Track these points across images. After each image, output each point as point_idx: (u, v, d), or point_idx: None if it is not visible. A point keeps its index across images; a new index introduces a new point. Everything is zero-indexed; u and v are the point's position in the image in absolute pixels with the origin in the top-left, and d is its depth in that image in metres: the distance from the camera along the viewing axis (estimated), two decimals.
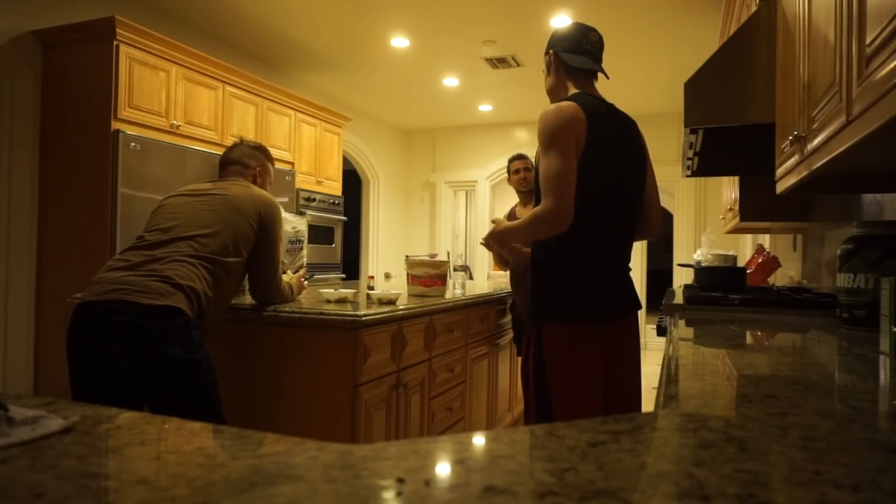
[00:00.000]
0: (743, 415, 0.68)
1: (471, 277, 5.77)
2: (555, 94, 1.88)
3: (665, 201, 8.58)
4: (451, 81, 5.63)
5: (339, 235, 5.19)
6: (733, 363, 1.07)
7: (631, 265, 1.88)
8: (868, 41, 0.89)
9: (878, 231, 1.44)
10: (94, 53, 3.24)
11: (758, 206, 2.58)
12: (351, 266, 6.37)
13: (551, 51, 1.86)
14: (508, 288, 3.25)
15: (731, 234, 4.39)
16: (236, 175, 2.02)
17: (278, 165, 3.92)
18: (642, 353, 1.87)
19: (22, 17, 3.30)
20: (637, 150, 1.84)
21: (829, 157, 1.12)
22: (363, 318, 1.90)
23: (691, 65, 4.78)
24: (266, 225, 1.89)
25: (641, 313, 6.61)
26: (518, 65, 5.06)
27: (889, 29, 0.80)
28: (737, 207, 2.76)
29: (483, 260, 7.32)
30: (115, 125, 3.19)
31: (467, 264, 5.58)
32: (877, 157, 1.17)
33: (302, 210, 4.64)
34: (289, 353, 1.98)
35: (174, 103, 3.57)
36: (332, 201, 5.09)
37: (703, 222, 6.48)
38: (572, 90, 1.82)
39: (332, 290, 2.25)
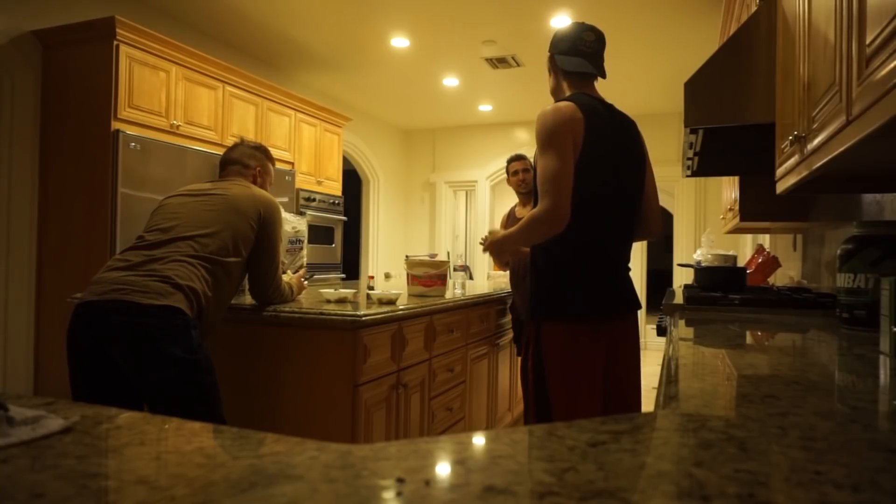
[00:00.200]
0: (743, 415, 0.68)
1: (471, 277, 5.77)
2: (556, 95, 1.89)
3: (665, 201, 8.58)
4: (451, 81, 5.63)
5: (339, 235, 5.19)
6: (733, 363, 1.07)
7: (631, 265, 1.88)
8: (868, 41, 0.89)
9: (878, 231, 1.44)
10: (94, 53, 3.24)
11: (758, 206, 2.58)
12: (351, 266, 6.37)
13: (549, 53, 1.88)
14: (508, 288, 3.25)
15: (731, 234, 4.39)
16: (236, 175, 2.02)
17: (278, 165, 3.92)
18: (642, 353, 1.87)
19: (22, 17, 3.30)
20: (636, 150, 1.85)
21: (829, 157, 1.12)
22: (363, 318, 1.90)
23: (691, 65, 4.78)
24: (266, 225, 1.89)
25: (641, 313, 6.61)
26: (518, 65, 5.06)
27: (889, 29, 0.80)
28: (737, 207, 2.76)
29: (483, 260, 7.32)
30: (115, 125, 3.19)
31: (467, 264, 5.58)
32: (877, 157, 1.17)
33: (302, 210, 4.64)
34: (289, 353, 1.98)
35: (174, 103, 3.57)
36: (332, 201, 5.09)
37: (703, 222, 6.48)
38: (570, 91, 1.82)
39: (332, 290, 2.25)
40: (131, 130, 3.25)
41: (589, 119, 1.69)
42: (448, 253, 4.63)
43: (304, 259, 2.48)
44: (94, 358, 1.63)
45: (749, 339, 1.43)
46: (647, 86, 5.60)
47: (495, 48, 4.72)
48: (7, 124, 3.27)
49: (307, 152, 4.89)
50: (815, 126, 1.24)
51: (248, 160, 2.05)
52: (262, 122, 4.35)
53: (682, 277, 6.30)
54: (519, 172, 3.14)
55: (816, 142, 1.21)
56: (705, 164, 2.43)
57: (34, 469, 0.48)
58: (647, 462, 0.50)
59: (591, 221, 1.71)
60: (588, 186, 1.68)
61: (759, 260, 3.28)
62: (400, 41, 4.60)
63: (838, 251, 1.50)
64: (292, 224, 2.40)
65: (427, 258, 3.26)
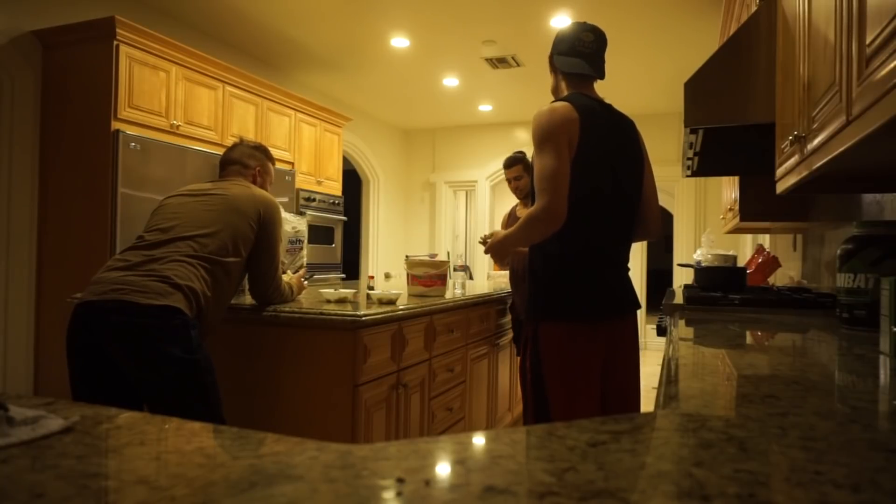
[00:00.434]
0: (743, 415, 0.68)
1: (471, 277, 5.77)
2: (555, 95, 1.90)
3: (665, 201, 8.58)
4: (451, 81, 5.63)
5: (339, 235, 5.19)
6: (733, 363, 1.07)
7: (630, 265, 1.88)
8: (868, 41, 0.89)
9: (878, 231, 1.44)
10: (94, 53, 3.24)
11: (758, 206, 2.58)
12: (351, 266, 6.37)
13: (550, 54, 1.89)
14: (508, 288, 3.25)
15: (731, 234, 4.39)
16: (236, 175, 2.02)
17: (278, 165, 3.92)
18: (642, 353, 1.88)
19: (22, 17, 3.30)
20: (634, 150, 1.85)
21: (829, 157, 1.12)
22: (363, 318, 1.90)
23: (691, 65, 4.78)
24: (266, 225, 1.89)
25: (641, 313, 6.62)
26: (518, 65, 5.06)
27: (889, 29, 0.80)
28: (737, 207, 2.76)
29: (483, 260, 7.32)
30: (115, 125, 3.19)
31: (467, 264, 5.58)
32: (877, 157, 1.17)
33: (302, 210, 4.64)
34: (289, 353, 1.98)
35: (174, 103, 3.57)
36: (332, 201, 5.09)
37: (703, 222, 6.48)
38: (569, 91, 1.83)
39: (332, 290, 2.25)
40: (131, 130, 3.25)
41: (584, 119, 1.69)
42: (448, 253, 4.63)
43: (304, 259, 2.48)
44: (94, 358, 1.63)
45: (749, 339, 1.43)
46: (647, 86, 5.60)
47: (495, 48, 4.72)
48: (7, 124, 3.27)
49: (307, 152, 4.89)
50: (815, 126, 1.24)
51: (247, 160, 2.05)
52: (262, 122, 4.35)
53: (682, 277, 6.30)
54: (511, 181, 3.14)
55: (816, 142, 1.21)
56: (705, 164, 2.43)
57: (34, 469, 0.48)
58: (647, 462, 0.50)
59: (589, 221, 1.72)
60: (585, 186, 1.68)
61: (759, 260, 3.28)
62: (400, 41, 4.60)
63: (838, 251, 1.50)
64: (292, 224, 2.40)
65: (427, 258, 3.26)
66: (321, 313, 1.92)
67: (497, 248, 1.90)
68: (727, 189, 3.56)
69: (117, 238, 3.13)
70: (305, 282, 2.39)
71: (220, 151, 3.48)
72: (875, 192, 1.81)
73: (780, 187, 1.67)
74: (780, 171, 1.68)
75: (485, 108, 6.57)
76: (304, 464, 0.49)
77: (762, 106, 1.79)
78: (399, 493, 0.43)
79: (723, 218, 3.83)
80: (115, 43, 3.20)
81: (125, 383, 1.63)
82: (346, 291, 2.25)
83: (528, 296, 1.84)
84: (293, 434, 0.58)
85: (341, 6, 3.99)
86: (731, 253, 2.83)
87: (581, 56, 1.82)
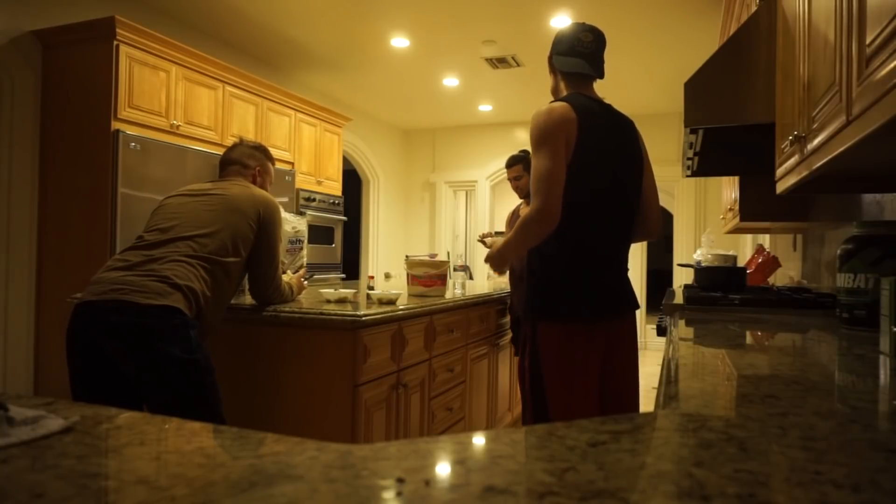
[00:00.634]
0: (743, 415, 0.68)
1: (471, 277, 5.77)
2: (555, 95, 1.90)
3: (665, 201, 8.58)
4: (451, 81, 5.63)
5: (339, 235, 5.19)
6: (733, 363, 1.07)
7: (630, 265, 1.89)
8: (868, 41, 0.89)
9: (878, 231, 1.44)
10: (94, 53, 3.24)
11: (758, 206, 2.58)
12: (351, 266, 6.37)
13: (549, 54, 1.89)
14: (508, 288, 3.25)
15: (731, 234, 4.39)
16: (236, 175, 2.02)
17: (278, 165, 3.92)
18: (642, 353, 1.88)
19: (22, 17, 3.30)
20: (634, 150, 1.85)
21: (829, 157, 1.12)
22: (363, 318, 1.90)
23: (691, 65, 4.77)
24: (265, 225, 1.89)
25: (641, 313, 6.62)
26: (518, 65, 5.06)
27: (889, 29, 0.80)
28: (737, 207, 2.76)
29: (483, 260, 7.32)
30: (115, 125, 3.19)
31: (467, 264, 5.58)
32: (877, 157, 1.17)
33: (302, 210, 4.64)
34: (289, 353, 1.98)
35: (174, 103, 3.57)
36: (332, 201, 5.09)
37: (703, 222, 6.48)
38: (568, 91, 1.83)
39: (332, 290, 2.25)
40: (131, 130, 3.25)
41: (582, 119, 1.69)
42: (448, 253, 4.63)
43: (304, 259, 2.48)
44: (94, 358, 1.63)
45: (749, 339, 1.43)
46: (647, 86, 5.60)
47: (495, 48, 4.72)
48: (7, 124, 3.27)
49: (307, 152, 4.89)
50: (815, 126, 1.24)
51: (247, 160, 2.05)
52: (262, 122, 4.35)
53: (682, 277, 6.30)
54: (511, 180, 3.18)
55: (816, 142, 1.21)
56: (705, 164, 2.43)
57: (34, 469, 0.48)
58: (647, 462, 0.50)
59: (586, 221, 1.72)
60: (582, 186, 1.68)
61: (759, 260, 3.28)
62: (400, 41, 4.60)
63: (838, 251, 1.50)
64: (292, 224, 2.40)
65: (427, 258, 3.27)
66: (321, 313, 1.92)
67: (496, 259, 1.89)
68: (727, 189, 3.56)
69: (117, 238, 3.13)
70: (305, 282, 2.39)
71: (220, 151, 3.48)
72: (875, 192, 1.81)
73: (780, 187, 1.67)
74: (780, 171, 1.68)
75: (485, 108, 6.57)
76: (304, 464, 0.49)
77: (762, 106, 1.79)
78: (399, 493, 0.43)
79: (723, 218, 3.83)
80: (115, 43, 3.20)
81: (125, 383, 1.63)
82: (346, 291, 2.25)
83: (527, 296, 1.84)
84: (293, 434, 0.58)
85: (341, 6, 3.99)
86: (731, 253, 2.83)
87: (580, 56, 1.81)
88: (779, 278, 3.56)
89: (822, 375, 0.93)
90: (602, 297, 1.77)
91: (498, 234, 3.30)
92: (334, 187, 5.26)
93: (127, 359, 1.60)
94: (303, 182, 4.79)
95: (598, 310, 1.76)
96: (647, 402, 4.34)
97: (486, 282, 4.35)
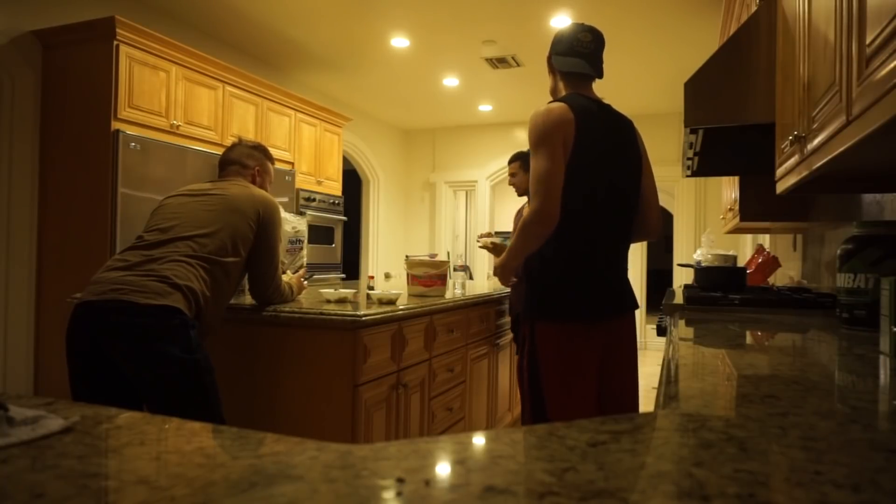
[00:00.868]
0: (743, 415, 0.68)
1: (471, 277, 5.77)
2: (554, 95, 1.90)
3: (665, 201, 8.58)
4: (451, 81, 5.63)
5: (339, 235, 5.19)
6: (733, 363, 1.07)
7: (629, 265, 1.89)
8: (868, 41, 0.89)
9: (878, 231, 1.44)
10: (94, 53, 3.24)
11: (758, 206, 2.58)
12: (351, 266, 6.37)
13: (549, 55, 1.89)
14: (508, 288, 3.25)
15: (731, 234, 4.39)
16: (235, 175, 2.02)
17: (278, 165, 3.92)
18: (642, 353, 1.88)
19: (22, 17, 3.30)
20: (632, 150, 1.86)
21: (829, 157, 1.12)
22: (363, 318, 1.90)
23: (691, 65, 4.77)
24: (265, 225, 1.89)
25: (641, 313, 6.62)
26: (518, 65, 5.06)
27: (889, 29, 0.80)
28: (737, 207, 2.76)
29: (483, 260, 7.33)
30: (115, 125, 3.19)
31: (467, 264, 5.58)
32: (877, 157, 1.17)
33: (302, 210, 4.64)
34: (289, 353, 1.98)
35: (174, 103, 3.57)
36: (332, 201, 5.09)
37: (703, 222, 6.48)
38: (567, 91, 1.84)
39: (332, 290, 2.25)
40: (131, 130, 3.25)
41: (580, 120, 1.70)
42: (448, 253, 4.63)
43: (304, 259, 2.48)
44: (94, 358, 1.63)
45: (749, 339, 1.43)
46: (647, 86, 5.61)
47: (495, 48, 4.72)
48: (7, 124, 3.27)
49: (307, 152, 4.89)
50: (815, 126, 1.24)
51: (246, 160, 2.05)
52: (262, 122, 4.35)
53: (682, 277, 6.30)
54: (510, 176, 3.21)
55: (816, 142, 1.21)
56: (705, 164, 2.43)
57: (34, 469, 0.48)
58: (647, 462, 0.50)
59: (584, 221, 1.73)
60: (580, 186, 1.69)
61: (759, 260, 3.28)
62: (400, 41, 4.60)
63: (838, 251, 1.50)
64: (292, 224, 2.40)
65: (427, 258, 3.26)
66: (321, 313, 1.92)
67: (501, 270, 1.88)
68: (727, 189, 3.56)
69: (117, 238, 3.13)
70: (305, 282, 2.39)
71: (220, 151, 3.47)
72: (875, 192, 1.81)
73: (780, 187, 1.67)
74: (780, 171, 1.68)
75: (485, 108, 6.57)
76: (304, 464, 0.49)
77: (762, 106, 1.79)
78: (399, 493, 0.43)
79: (723, 218, 3.83)
80: (115, 43, 3.20)
81: (125, 383, 1.63)
82: (346, 291, 2.25)
83: (525, 296, 1.85)
84: (293, 434, 0.58)
85: (341, 6, 3.99)
86: (731, 253, 2.83)
87: (580, 56, 1.82)
88: (779, 278, 3.56)
89: (822, 375, 0.93)
90: (601, 296, 1.77)
91: (498, 234, 3.30)
92: (334, 187, 5.26)
93: (126, 359, 1.60)
94: (303, 182, 4.79)
95: (596, 309, 1.76)
96: (647, 402, 4.34)
97: (486, 282, 4.35)
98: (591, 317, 1.75)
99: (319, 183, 5.03)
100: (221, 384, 1.72)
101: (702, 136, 1.99)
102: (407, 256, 3.08)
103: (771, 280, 3.38)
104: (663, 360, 1.16)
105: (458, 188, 7.81)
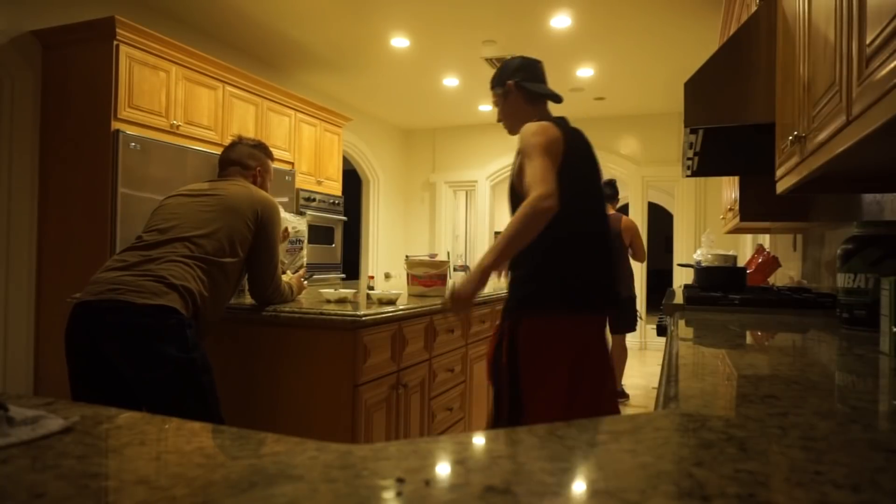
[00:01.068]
0: (743, 415, 0.68)
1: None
2: (514, 119, 2.03)
3: (665, 201, 8.59)
4: (451, 81, 5.63)
5: (339, 235, 5.19)
6: (733, 363, 1.07)
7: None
8: (868, 41, 0.89)
9: (878, 231, 1.44)
10: (94, 53, 3.24)
11: (758, 206, 2.59)
12: (351, 266, 6.37)
13: (510, 81, 2.02)
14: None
15: (731, 234, 4.39)
16: (237, 175, 2.02)
17: (279, 165, 3.92)
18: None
19: (22, 17, 3.30)
20: (595, 159, 2.01)
21: (829, 157, 1.12)
22: (363, 318, 1.90)
23: (691, 65, 4.77)
24: (264, 225, 1.89)
25: (641, 313, 6.61)
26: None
27: (889, 29, 0.80)
28: (737, 207, 2.76)
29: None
30: (115, 125, 3.19)
31: (467, 264, 5.57)
32: (877, 157, 1.17)
33: (302, 210, 4.64)
34: (289, 353, 1.98)
35: (174, 103, 3.57)
36: (332, 201, 5.09)
37: (703, 222, 6.48)
38: (532, 115, 1.98)
39: (332, 290, 2.25)
40: (131, 130, 3.25)
41: (566, 139, 1.85)
42: (448, 253, 4.63)
43: (304, 259, 2.48)
44: (92, 358, 1.63)
45: (749, 339, 1.43)
46: (647, 86, 5.60)
47: (495, 48, 4.72)
48: (7, 124, 3.27)
49: (307, 152, 4.89)
50: (815, 126, 1.24)
51: (247, 160, 2.05)
52: (262, 122, 4.35)
53: (682, 277, 6.30)
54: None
55: (816, 142, 1.21)
56: (705, 164, 2.43)
57: (34, 469, 0.48)
58: (647, 462, 0.50)
59: (570, 221, 1.80)
60: (564, 191, 1.75)
61: (759, 260, 3.28)
62: (400, 41, 4.60)
63: (838, 251, 1.50)
64: (292, 224, 2.40)
65: (427, 258, 3.26)
66: (321, 313, 1.92)
67: (489, 269, 1.76)
68: (727, 189, 3.56)
69: (117, 238, 3.13)
70: (305, 282, 2.39)
71: (220, 151, 3.46)
72: (875, 192, 1.81)
73: (780, 187, 1.67)
74: (780, 171, 1.68)
75: (485, 108, 6.58)
76: (304, 464, 0.49)
77: (762, 106, 1.79)
78: (399, 493, 0.43)
79: (723, 218, 3.83)
80: (115, 43, 3.20)
81: (124, 383, 1.63)
82: (346, 291, 2.25)
83: (509, 289, 1.90)
84: (293, 434, 0.58)
85: (341, 6, 3.99)
86: (731, 253, 2.83)
87: (543, 81, 2.03)
88: (779, 278, 3.56)
89: (822, 375, 0.93)
90: (589, 290, 1.83)
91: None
92: (334, 187, 5.26)
93: (124, 358, 1.60)
94: (303, 182, 4.79)
95: (585, 302, 1.82)
96: (647, 402, 4.34)
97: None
98: (571, 312, 1.82)
99: (319, 183, 5.03)
100: (221, 384, 1.72)
101: (702, 136, 1.99)
102: (407, 256, 3.08)
103: (771, 280, 3.38)
104: (663, 359, 1.16)
105: (458, 188, 7.81)
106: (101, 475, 0.48)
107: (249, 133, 4.17)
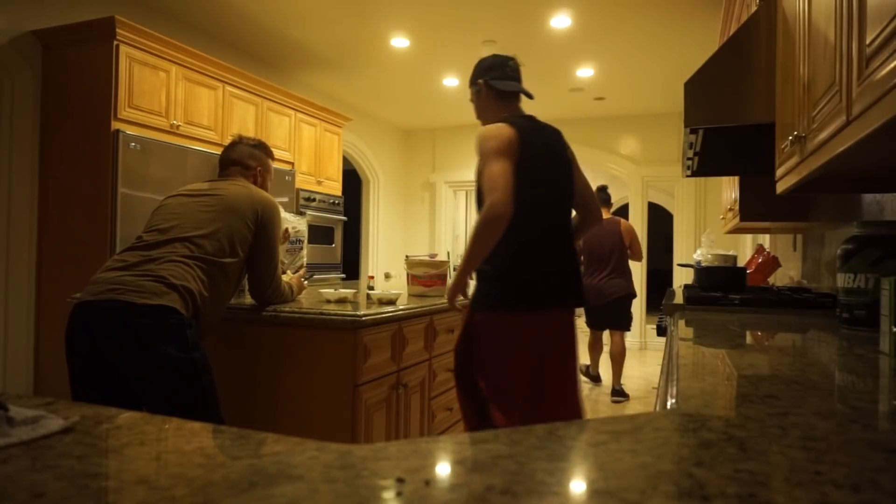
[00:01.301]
0: (743, 415, 0.68)
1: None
2: (485, 117, 2.10)
3: (665, 201, 8.59)
4: (451, 81, 5.63)
5: (339, 235, 5.19)
6: (733, 363, 1.07)
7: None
8: (868, 41, 0.89)
9: (878, 231, 1.44)
10: (94, 53, 3.24)
11: (758, 207, 2.59)
12: (351, 266, 6.37)
13: (480, 80, 2.11)
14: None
15: (731, 234, 4.39)
16: (237, 175, 2.02)
17: (278, 165, 3.92)
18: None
19: (22, 17, 3.30)
20: (563, 156, 2.05)
21: (829, 157, 1.12)
22: (363, 318, 1.90)
23: (691, 65, 4.77)
24: (264, 225, 1.89)
25: (641, 313, 6.61)
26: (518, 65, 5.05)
27: (889, 29, 0.80)
28: (737, 207, 2.76)
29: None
30: (115, 125, 3.19)
31: None
32: (877, 157, 1.17)
33: (302, 210, 4.64)
34: (289, 353, 1.98)
35: (174, 103, 3.57)
36: (332, 201, 5.09)
37: (703, 222, 6.48)
38: (503, 112, 2.04)
39: (332, 290, 2.25)
40: (131, 130, 3.25)
41: (521, 135, 1.89)
42: (448, 253, 4.63)
43: (304, 259, 2.48)
44: (92, 358, 1.63)
45: (749, 339, 1.43)
46: (647, 86, 5.60)
47: (495, 48, 4.71)
48: (7, 124, 3.27)
49: (307, 152, 4.89)
50: (815, 126, 1.24)
51: (248, 160, 2.05)
52: (262, 122, 4.35)
53: (682, 277, 6.30)
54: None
55: (816, 142, 1.21)
56: (705, 164, 2.43)
57: (34, 469, 0.48)
58: (647, 462, 0.50)
59: (526, 221, 1.87)
60: (522, 192, 1.84)
61: (759, 260, 3.28)
62: (400, 41, 4.60)
63: (838, 251, 1.50)
64: (292, 224, 2.40)
65: (427, 258, 3.26)
66: (321, 313, 1.92)
67: (458, 281, 1.93)
68: (727, 189, 3.56)
69: (117, 238, 3.13)
70: (305, 282, 2.39)
71: (220, 151, 3.47)
72: (875, 192, 1.81)
73: (780, 187, 1.67)
74: (780, 171, 1.68)
75: None
76: (304, 464, 0.49)
77: (762, 106, 1.79)
78: (399, 493, 0.43)
79: (723, 218, 3.83)
80: (115, 43, 3.20)
81: (124, 383, 1.63)
82: (346, 291, 2.25)
83: (475, 288, 1.98)
84: (293, 434, 0.58)
85: (341, 6, 3.99)
86: (731, 253, 2.83)
87: (512, 79, 2.08)
88: (779, 278, 3.56)
89: (822, 375, 0.93)
90: (538, 288, 1.90)
91: None
92: (334, 187, 5.25)
93: (124, 358, 1.60)
94: (303, 182, 4.79)
95: (532, 300, 1.89)
96: (647, 402, 4.35)
97: None
98: (526, 307, 1.88)
99: (319, 183, 5.03)
100: (221, 384, 1.72)
101: (702, 136, 1.99)
102: (407, 256, 3.08)
103: (771, 280, 3.38)
104: (663, 359, 1.16)
105: (458, 188, 7.81)
106: (101, 475, 0.48)
107: (249, 133, 4.17)
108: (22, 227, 3.30)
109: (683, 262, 5.72)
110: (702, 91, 1.86)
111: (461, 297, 1.94)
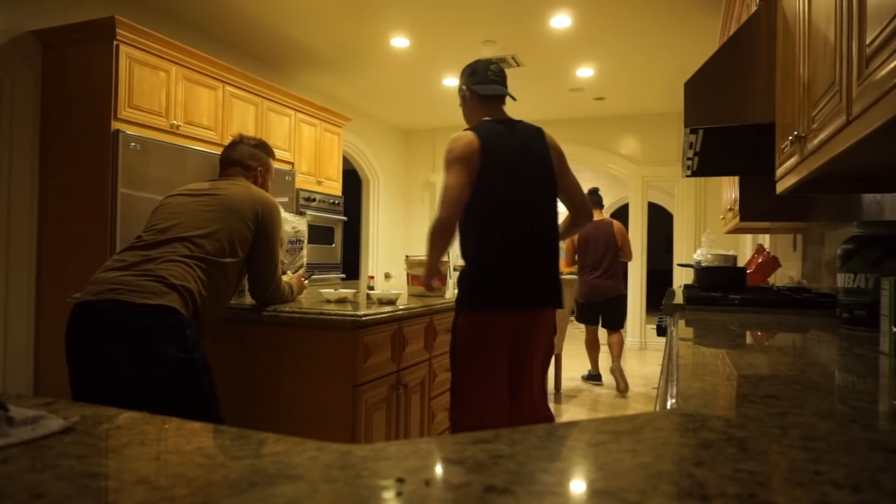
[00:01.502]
0: (743, 415, 0.68)
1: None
2: (471, 122, 2.16)
3: (665, 201, 8.60)
4: (451, 81, 5.63)
5: (339, 235, 5.19)
6: (733, 363, 1.07)
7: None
8: (868, 41, 0.89)
9: (878, 231, 1.44)
10: (94, 53, 3.24)
11: (758, 206, 2.59)
12: (351, 266, 6.37)
13: (464, 86, 2.16)
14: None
15: (731, 234, 4.39)
16: (237, 175, 2.02)
17: (278, 165, 3.92)
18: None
19: (22, 17, 3.30)
20: (542, 155, 2.09)
21: (829, 157, 1.12)
22: (363, 318, 1.90)
23: (691, 65, 4.77)
24: (264, 225, 1.89)
25: (641, 313, 6.62)
26: (518, 65, 5.06)
27: (889, 29, 0.80)
28: (737, 207, 2.76)
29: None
30: (115, 125, 3.19)
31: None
32: (877, 157, 1.17)
33: (302, 210, 4.64)
34: (289, 353, 1.98)
35: (174, 103, 3.57)
36: (332, 201, 5.09)
37: (703, 222, 6.48)
38: (484, 116, 2.11)
39: (332, 290, 2.25)
40: (131, 130, 3.25)
41: (484, 142, 1.96)
42: (448, 253, 4.63)
43: (304, 259, 2.48)
44: (92, 358, 1.63)
45: (749, 339, 1.42)
46: (647, 86, 5.60)
47: (495, 48, 4.72)
48: (7, 124, 3.27)
49: (307, 152, 4.89)
50: (815, 126, 1.24)
51: (248, 160, 2.05)
52: (262, 122, 4.36)
53: (682, 277, 6.30)
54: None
55: (816, 142, 1.21)
56: (705, 164, 2.43)
57: (34, 469, 0.48)
58: (647, 462, 0.50)
59: (497, 223, 1.95)
60: (489, 194, 1.94)
61: (759, 260, 3.28)
62: (400, 41, 4.60)
63: (838, 251, 1.50)
64: (292, 224, 2.40)
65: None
66: (321, 313, 1.92)
67: (428, 275, 2.09)
68: (727, 189, 3.56)
69: (117, 238, 3.13)
70: (305, 282, 2.39)
71: (220, 151, 3.47)
72: (875, 192, 1.81)
73: (780, 187, 1.67)
74: (780, 171, 1.68)
75: None
76: (304, 464, 0.49)
77: (762, 106, 1.79)
78: (399, 493, 0.43)
79: (723, 218, 3.83)
80: (115, 43, 3.20)
81: (124, 383, 1.63)
82: (346, 291, 2.25)
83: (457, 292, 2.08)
84: (293, 434, 0.58)
85: (341, 6, 3.99)
86: (731, 253, 2.83)
87: (494, 82, 2.13)
88: (779, 278, 3.57)
89: (822, 375, 0.93)
90: (512, 289, 1.96)
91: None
92: (334, 187, 5.26)
93: (124, 358, 1.60)
94: (303, 182, 4.79)
95: (506, 301, 1.96)
96: (647, 402, 4.35)
97: None
98: (499, 307, 1.96)
99: (319, 183, 5.03)
100: (221, 384, 1.72)
101: (702, 136, 1.99)
102: (407, 256, 3.08)
103: (771, 280, 3.38)
104: (663, 360, 1.16)
105: None
106: (101, 475, 0.48)
107: (249, 133, 4.17)
108: (22, 227, 3.30)
109: (683, 262, 5.72)
110: (702, 91, 1.86)
111: (437, 282, 2.10)
